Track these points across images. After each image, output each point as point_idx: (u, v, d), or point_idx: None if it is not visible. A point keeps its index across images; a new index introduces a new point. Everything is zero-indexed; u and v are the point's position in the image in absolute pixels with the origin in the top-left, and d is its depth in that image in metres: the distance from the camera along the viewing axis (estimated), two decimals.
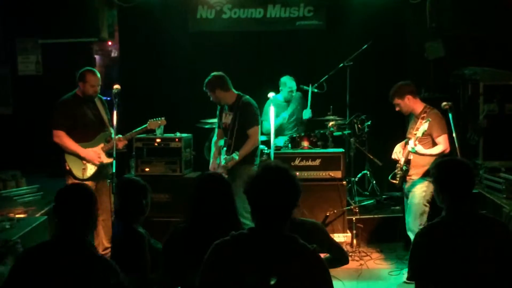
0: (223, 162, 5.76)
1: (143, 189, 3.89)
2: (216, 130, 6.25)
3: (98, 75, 5.74)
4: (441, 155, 5.25)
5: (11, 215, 5.04)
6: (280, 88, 7.28)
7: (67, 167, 5.65)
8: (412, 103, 5.53)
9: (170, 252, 3.25)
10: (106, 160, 5.72)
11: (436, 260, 2.98)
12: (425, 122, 5.25)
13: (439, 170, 3.22)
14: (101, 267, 2.86)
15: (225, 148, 5.95)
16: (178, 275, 3.18)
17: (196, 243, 3.04)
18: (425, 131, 5.24)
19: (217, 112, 6.15)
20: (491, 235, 3.01)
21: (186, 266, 3.10)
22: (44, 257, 2.86)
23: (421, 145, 5.36)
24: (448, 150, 5.37)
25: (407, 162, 5.50)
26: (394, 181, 5.71)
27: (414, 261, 3.08)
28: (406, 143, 5.56)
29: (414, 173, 5.49)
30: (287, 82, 7.27)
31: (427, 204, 5.42)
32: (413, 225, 5.45)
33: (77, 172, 5.62)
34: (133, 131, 5.91)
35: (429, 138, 5.43)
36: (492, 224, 3.10)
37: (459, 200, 3.10)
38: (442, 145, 5.36)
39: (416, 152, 5.35)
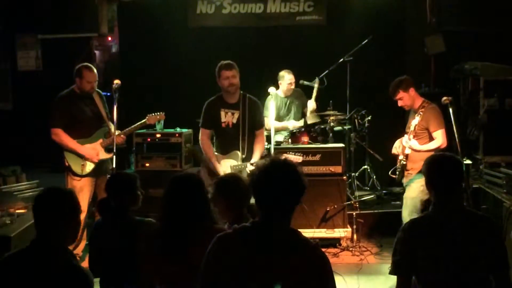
0: (249, 168, 5.32)
1: (133, 182, 3.87)
2: (201, 130, 5.67)
3: (95, 71, 5.72)
4: (438, 150, 5.23)
5: (11, 210, 5.05)
6: (279, 82, 7.25)
7: (66, 163, 5.64)
8: (414, 96, 5.52)
9: (145, 253, 3.23)
10: (105, 156, 5.71)
11: (417, 254, 3.00)
12: (417, 115, 5.26)
13: (426, 166, 3.24)
14: (75, 277, 2.68)
15: (237, 152, 5.52)
16: (155, 275, 3.18)
17: (170, 243, 3.07)
18: (416, 124, 5.25)
19: (205, 110, 5.64)
20: (474, 231, 3.02)
21: (162, 266, 3.10)
22: (21, 264, 2.71)
23: (416, 140, 5.36)
24: (445, 145, 5.36)
25: (406, 156, 5.50)
26: (394, 176, 5.70)
27: (395, 255, 3.09)
28: None
29: (412, 168, 5.48)
30: (286, 75, 7.22)
31: (427, 199, 5.41)
32: (409, 218, 5.41)
33: (76, 168, 5.62)
34: (132, 126, 5.89)
35: (425, 133, 5.42)
36: (477, 219, 3.10)
37: (445, 195, 3.11)
38: (438, 140, 5.35)
39: (410, 148, 5.35)
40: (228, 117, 5.59)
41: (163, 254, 3.10)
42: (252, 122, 5.56)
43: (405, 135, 5.47)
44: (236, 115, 5.57)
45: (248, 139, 5.54)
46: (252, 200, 3.93)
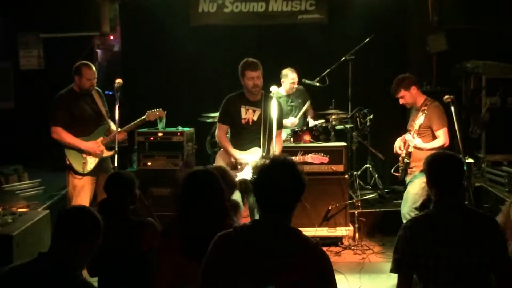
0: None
1: (130, 182, 3.86)
2: (218, 125, 5.69)
3: (94, 68, 5.71)
4: (440, 149, 5.23)
5: (14, 209, 5.05)
6: (281, 80, 7.24)
7: (67, 162, 5.63)
8: (416, 94, 5.52)
9: (162, 252, 3.22)
10: (106, 153, 5.71)
11: (418, 253, 3.00)
12: (422, 114, 5.25)
13: (428, 165, 3.25)
14: None
15: (257, 148, 5.47)
16: (172, 273, 3.17)
17: (190, 242, 3.04)
18: (421, 123, 5.24)
19: (224, 106, 5.63)
20: (476, 229, 3.02)
21: (182, 266, 3.09)
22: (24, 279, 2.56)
23: (420, 138, 5.36)
24: (447, 144, 5.35)
25: (408, 154, 5.49)
26: (397, 174, 5.69)
27: (396, 253, 3.09)
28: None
29: (415, 166, 5.47)
30: (289, 74, 7.21)
31: (426, 197, 5.39)
32: (408, 214, 5.39)
33: (77, 167, 5.61)
34: (132, 123, 5.87)
35: (429, 131, 5.42)
36: (479, 218, 3.10)
37: (446, 194, 3.12)
38: (441, 138, 5.35)
39: (415, 146, 5.35)
40: (248, 114, 5.55)
41: (183, 253, 3.07)
42: (271, 122, 5.45)
43: (408, 133, 5.46)
44: (257, 113, 5.53)
45: (268, 138, 5.48)
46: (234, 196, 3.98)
